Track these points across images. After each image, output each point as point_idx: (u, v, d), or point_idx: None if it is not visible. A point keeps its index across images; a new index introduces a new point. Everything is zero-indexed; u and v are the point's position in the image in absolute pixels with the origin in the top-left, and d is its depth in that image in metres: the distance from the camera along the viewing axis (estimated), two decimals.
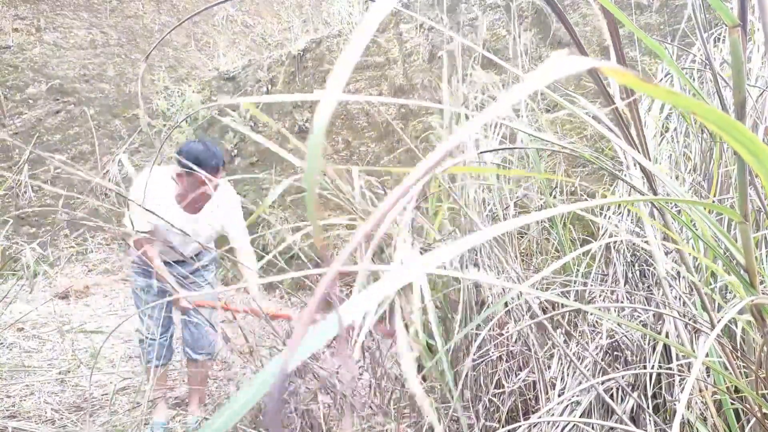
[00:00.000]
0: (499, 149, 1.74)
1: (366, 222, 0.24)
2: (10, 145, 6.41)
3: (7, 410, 2.83)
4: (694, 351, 1.27)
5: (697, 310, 1.30)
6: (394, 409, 1.69)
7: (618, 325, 1.66)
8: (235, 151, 6.07)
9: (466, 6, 4.66)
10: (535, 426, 1.51)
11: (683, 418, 1.28)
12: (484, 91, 2.35)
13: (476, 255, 1.99)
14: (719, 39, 2.06)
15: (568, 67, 0.24)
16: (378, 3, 0.26)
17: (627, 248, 1.87)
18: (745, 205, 0.66)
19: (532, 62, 4.13)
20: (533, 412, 1.80)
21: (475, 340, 1.79)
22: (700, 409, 1.27)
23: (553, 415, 1.50)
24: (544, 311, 2.10)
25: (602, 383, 1.53)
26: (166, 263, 2.71)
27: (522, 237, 2.53)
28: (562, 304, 2.00)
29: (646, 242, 1.33)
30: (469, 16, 4.57)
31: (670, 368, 1.44)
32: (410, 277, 0.29)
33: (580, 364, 1.68)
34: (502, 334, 1.85)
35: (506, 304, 1.80)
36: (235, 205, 2.71)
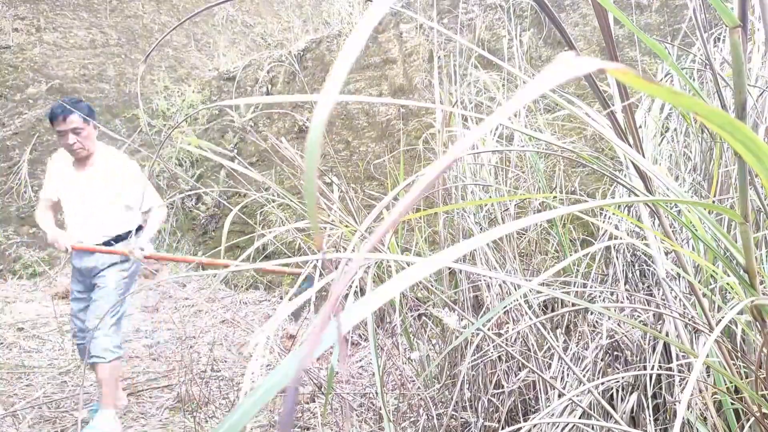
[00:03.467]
0: (498, 150, 1.74)
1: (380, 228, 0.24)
2: (10, 145, 6.41)
3: (7, 410, 2.82)
4: (693, 350, 1.27)
5: (696, 311, 1.30)
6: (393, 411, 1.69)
7: (618, 325, 1.66)
8: (235, 151, 6.06)
9: (466, 6, 4.65)
10: (534, 426, 1.51)
11: (683, 418, 1.27)
12: (482, 92, 2.35)
13: (474, 258, 1.99)
14: (719, 39, 2.06)
15: (575, 69, 0.24)
16: (376, 4, 0.26)
17: (627, 248, 1.87)
18: (746, 205, 0.65)
19: (531, 62, 4.13)
20: (533, 412, 1.80)
21: (473, 341, 1.79)
22: (700, 409, 1.27)
23: (553, 415, 1.50)
24: (544, 311, 2.10)
25: (602, 383, 1.53)
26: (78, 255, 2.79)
27: (521, 237, 2.52)
28: (561, 304, 1.99)
29: (646, 244, 1.33)
30: (469, 16, 4.56)
31: (670, 368, 1.44)
32: (414, 279, 0.29)
33: (581, 363, 1.68)
34: (501, 334, 1.85)
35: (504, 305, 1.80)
36: (133, 173, 2.81)
